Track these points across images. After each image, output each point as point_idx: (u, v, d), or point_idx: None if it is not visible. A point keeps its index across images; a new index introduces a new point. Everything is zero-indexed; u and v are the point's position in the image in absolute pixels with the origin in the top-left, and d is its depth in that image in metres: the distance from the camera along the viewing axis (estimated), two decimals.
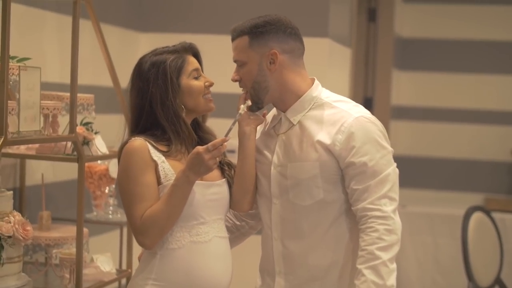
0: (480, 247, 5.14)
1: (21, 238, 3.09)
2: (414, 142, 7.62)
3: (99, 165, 4.04)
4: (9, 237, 3.06)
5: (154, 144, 2.69)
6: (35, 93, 3.13)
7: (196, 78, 2.75)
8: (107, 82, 4.08)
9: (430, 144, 7.60)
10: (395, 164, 2.65)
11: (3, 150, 3.59)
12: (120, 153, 2.73)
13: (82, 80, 4.28)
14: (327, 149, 2.63)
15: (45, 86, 3.89)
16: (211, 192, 2.72)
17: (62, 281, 3.54)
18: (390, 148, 2.66)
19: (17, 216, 3.12)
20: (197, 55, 2.81)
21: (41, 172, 3.96)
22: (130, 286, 2.76)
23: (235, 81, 2.74)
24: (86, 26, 4.00)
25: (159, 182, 2.67)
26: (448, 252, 6.71)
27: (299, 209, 2.69)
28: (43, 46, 4.12)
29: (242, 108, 2.83)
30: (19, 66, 3.05)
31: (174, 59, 2.72)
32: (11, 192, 3.19)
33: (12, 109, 3.03)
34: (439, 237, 6.81)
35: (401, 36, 7.53)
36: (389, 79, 7.15)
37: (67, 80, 3.70)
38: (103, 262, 3.77)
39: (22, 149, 3.65)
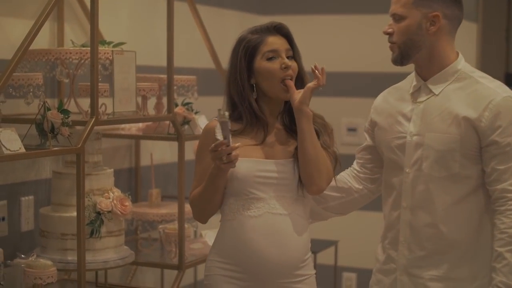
0: None
1: (119, 213, 3.27)
2: None
3: None
4: (108, 212, 3.25)
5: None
6: (130, 76, 3.27)
7: (270, 59, 2.66)
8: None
9: None
10: None
11: (113, 131, 3.80)
12: None
13: (190, 63, 4.45)
14: (472, 124, 2.58)
15: (155, 69, 4.08)
16: (259, 169, 2.65)
17: (168, 255, 3.72)
18: None
19: (116, 192, 3.31)
20: (287, 36, 2.71)
21: (156, 152, 4.14)
22: None
23: (387, 33, 2.69)
24: (201, 11, 4.12)
25: None
26: None
27: (432, 180, 2.65)
28: (157, 32, 4.29)
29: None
30: (112, 51, 3.20)
31: (251, 40, 2.68)
32: (112, 170, 3.38)
33: (105, 91, 3.19)
34: None
35: None
36: None
37: (180, 63, 3.86)
38: (211, 237, 3.88)
39: (132, 130, 3.84)
